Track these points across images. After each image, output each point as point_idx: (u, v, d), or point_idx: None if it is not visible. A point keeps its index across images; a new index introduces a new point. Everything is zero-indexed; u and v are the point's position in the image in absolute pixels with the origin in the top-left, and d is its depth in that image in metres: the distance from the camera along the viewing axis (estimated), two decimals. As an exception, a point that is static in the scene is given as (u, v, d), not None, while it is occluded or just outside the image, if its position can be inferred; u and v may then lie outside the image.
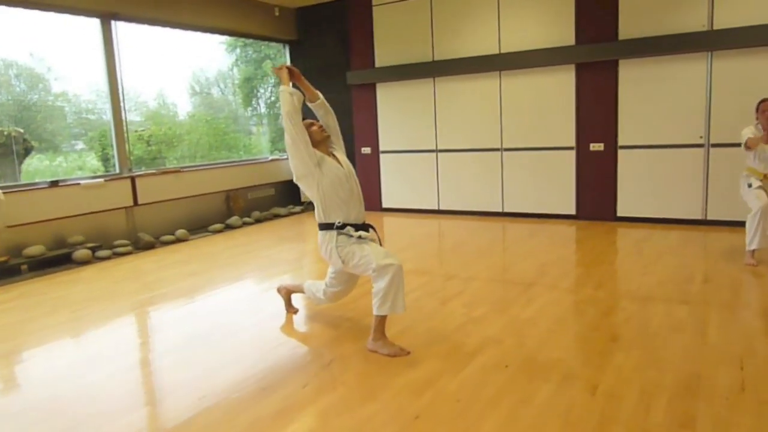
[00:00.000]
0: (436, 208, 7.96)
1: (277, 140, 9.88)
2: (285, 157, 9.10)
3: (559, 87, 6.87)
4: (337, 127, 3.59)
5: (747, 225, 4.69)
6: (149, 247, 6.56)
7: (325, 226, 3.34)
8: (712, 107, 6.10)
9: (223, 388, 2.90)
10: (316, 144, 3.34)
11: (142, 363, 3.34)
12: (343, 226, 3.28)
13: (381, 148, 8.29)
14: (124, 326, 4.04)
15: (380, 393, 2.75)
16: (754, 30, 5.71)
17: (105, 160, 7.23)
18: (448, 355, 3.17)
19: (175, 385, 2.99)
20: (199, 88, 9.21)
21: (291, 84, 3.39)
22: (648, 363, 2.95)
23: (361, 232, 3.29)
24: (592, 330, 3.44)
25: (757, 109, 4.73)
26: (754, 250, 4.67)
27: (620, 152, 6.65)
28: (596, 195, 6.84)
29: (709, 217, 6.28)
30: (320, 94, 3.56)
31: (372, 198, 8.20)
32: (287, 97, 3.27)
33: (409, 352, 3.20)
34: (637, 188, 6.61)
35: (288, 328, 3.79)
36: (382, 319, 3.23)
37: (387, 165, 8.28)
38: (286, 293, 4.03)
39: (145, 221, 6.95)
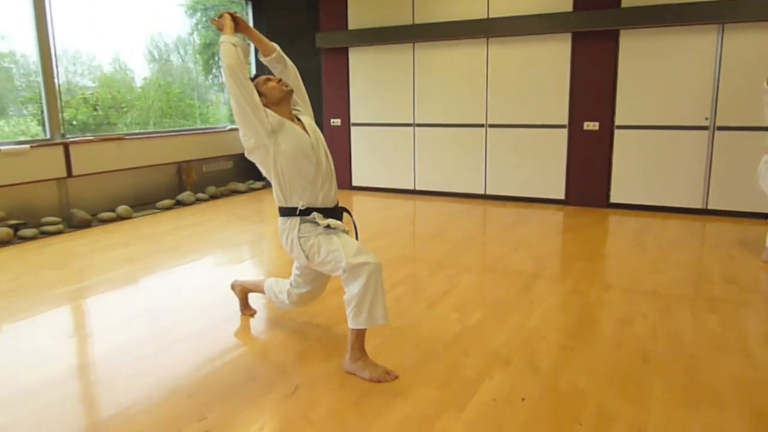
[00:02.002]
0: (412, 188, 7.27)
1: (237, 109, 8.98)
2: (245, 127, 8.23)
3: (552, 58, 6.21)
4: (301, 85, 2.86)
5: None
6: (84, 225, 5.68)
7: (286, 211, 2.62)
8: (720, 86, 5.55)
9: None
10: (274, 104, 2.61)
11: (47, 387, 2.56)
12: (308, 211, 2.56)
13: (352, 120, 7.52)
14: (34, 330, 3.23)
15: (363, 442, 2.07)
16: (773, 1, 5.15)
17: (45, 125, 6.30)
18: (445, 380, 2.50)
19: (90, 426, 2.25)
20: (158, 54, 8.28)
21: (236, 35, 2.63)
22: (699, 396, 2.35)
23: (331, 221, 2.57)
24: (615, 347, 2.82)
25: None
26: (775, 248, 4.15)
27: (617, 132, 6.07)
28: (588, 179, 6.25)
29: (709, 207, 5.78)
30: (276, 46, 2.80)
31: (341, 175, 7.41)
32: (229, 48, 2.49)
33: (396, 376, 2.52)
34: (633, 173, 6.05)
35: (243, 335, 3.07)
36: (359, 334, 2.54)
37: (358, 139, 7.53)
38: (242, 292, 3.29)
39: (81, 196, 6.04)
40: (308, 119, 2.76)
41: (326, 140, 2.77)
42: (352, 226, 2.73)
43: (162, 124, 7.78)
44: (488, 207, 6.47)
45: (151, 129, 7.39)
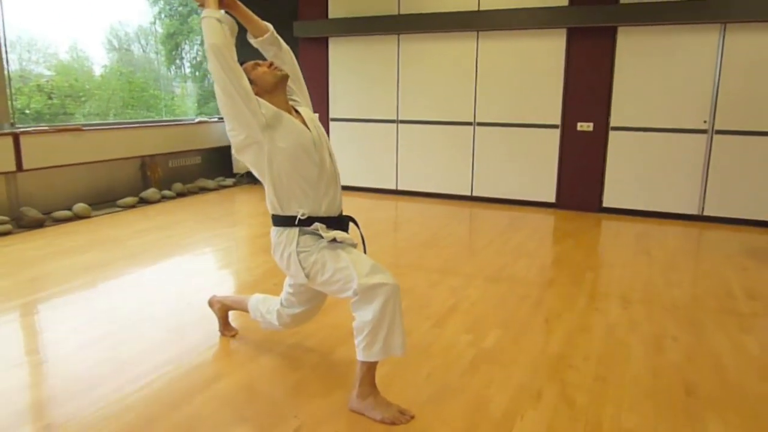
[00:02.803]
0: (394, 188, 6.89)
1: (203, 102, 8.48)
2: (214, 119, 7.75)
3: (546, 54, 5.92)
4: (299, 71, 2.46)
5: None
6: (36, 225, 5.11)
7: (282, 221, 2.20)
8: (720, 88, 5.34)
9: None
10: (267, 92, 2.20)
11: (-12, 430, 2.10)
12: (309, 221, 2.16)
13: (331, 115, 7.09)
14: (-26, 354, 2.73)
15: None
16: (778, 0, 4.96)
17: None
18: (470, 421, 2.13)
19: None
20: (118, 43, 7.72)
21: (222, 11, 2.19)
22: (762, 439, 2.05)
23: (337, 233, 2.18)
24: (653, 376, 2.51)
25: None
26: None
27: (612, 134, 5.81)
28: (581, 182, 5.99)
29: (705, 213, 5.58)
30: (269, 25, 2.39)
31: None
32: (213, 24, 2.05)
33: (412, 416, 2.14)
34: (627, 176, 5.81)
35: (225, 362, 2.63)
36: (370, 368, 2.15)
37: (338, 135, 7.09)
38: (222, 310, 2.85)
39: (33, 192, 5.46)
40: (308, 111, 2.36)
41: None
42: (360, 239, 2.33)
43: (123, 116, 7.24)
44: (475, 210, 6.14)
45: (111, 120, 6.84)
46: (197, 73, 8.69)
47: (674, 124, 5.56)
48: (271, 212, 2.25)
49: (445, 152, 6.53)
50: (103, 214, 5.69)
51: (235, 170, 7.59)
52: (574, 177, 6.00)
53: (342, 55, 6.87)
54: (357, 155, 7.02)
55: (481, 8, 6.05)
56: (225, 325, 2.87)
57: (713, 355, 2.71)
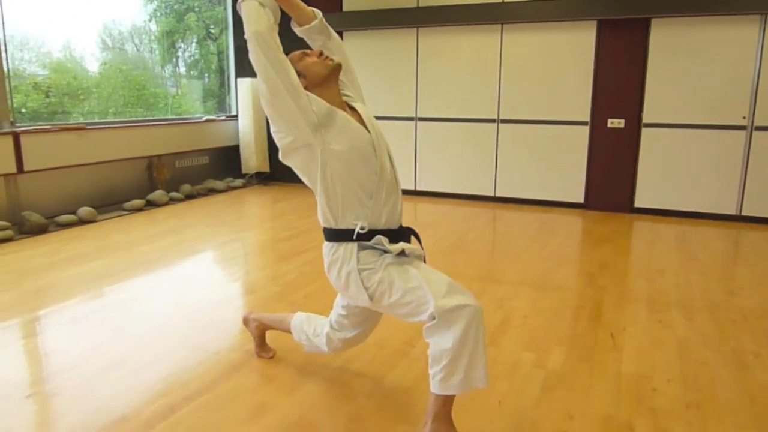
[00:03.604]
0: (413, 188, 6.60)
1: (203, 101, 8.15)
2: (222, 117, 7.43)
3: (575, 48, 5.64)
4: (350, 62, 2.16)
5: None
6: (39, 231, 4.80)
7: (336, 235, 1.91)
8: (760, 82, 5.07)
9: None
10: (318, 86, 1.91)
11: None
12: (370, 234, 1.86)
13: (345, 113, 6.78)
14: (-21, 381, 2.42)
15: None
16: (826, -12, 4.70)
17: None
18: (562, 462, 1.85)
19: None
20: (112, 42, 7.40)
21: None
22: None
23: (404, 245, 1.90)
24: (749, 401, 2.23)
25: None
26: None
27: (644, 131, 5.54)
28: (612, 181, 5.71)
29: (744, 213, 5.31)
30: (318, 12, 2.10)
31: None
32: (255, 9, 1.79)
33: (494, 457, 1.86)
34: (660, 175, 5.54)
35: (266, 391, 2.33)
36: (446, 401, 1.86)
37: (352, 134, 6.79)
38: (259, 329, 2.55)
39: (35, 196, 5.14)
40: (363, 108, 2.06)
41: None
42: (423, 252, 2.04)
43: (124, 114, 6.92)
44: (500, 211, 5.86)
45: (111, 119, 6.52)
46: (193, 72, 8.39)
47: (711, 120, 5.29)
48: (323, 225, 1.96)
49: (466, 151, 6.25)
50: (109, 218, 5.37)
51: (244, 170, 7.28)
52: (605, 176, 5.73)
53: (357, 49, 6.57)
54: (372, 154, 6.72)
55: (505, -1, 5.77)
56: (261, 346, 2.57)
57: (808, 376, 2.44)
